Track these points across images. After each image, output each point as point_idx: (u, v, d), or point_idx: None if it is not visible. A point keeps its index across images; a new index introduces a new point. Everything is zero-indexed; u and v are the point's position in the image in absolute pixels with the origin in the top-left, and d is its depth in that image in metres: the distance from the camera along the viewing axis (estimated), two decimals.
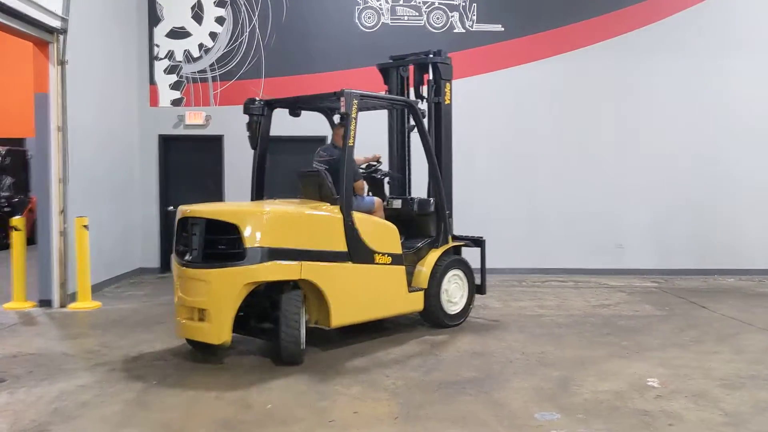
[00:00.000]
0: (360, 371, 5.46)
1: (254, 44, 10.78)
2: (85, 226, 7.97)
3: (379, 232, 6.36)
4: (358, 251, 6.03)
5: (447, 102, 7.37)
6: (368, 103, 6.71)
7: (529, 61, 10.77)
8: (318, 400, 4.75)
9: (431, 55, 7.49)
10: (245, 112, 6.82)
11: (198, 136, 10.78)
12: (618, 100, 10.79)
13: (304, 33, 10.75)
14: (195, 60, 10.76)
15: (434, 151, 7.04)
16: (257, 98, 6.87)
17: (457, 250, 7.36)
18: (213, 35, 10.78)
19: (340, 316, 5.92)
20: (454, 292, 6.98)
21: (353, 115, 6.11)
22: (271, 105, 6.88)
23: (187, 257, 5.68)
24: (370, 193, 7.37)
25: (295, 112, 7.06)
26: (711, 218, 10.75)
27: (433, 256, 6.87)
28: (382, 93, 7.63)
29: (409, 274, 6.69)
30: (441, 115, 7.33)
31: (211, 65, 10.76)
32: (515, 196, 10.75)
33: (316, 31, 10.76)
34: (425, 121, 7.08)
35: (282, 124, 7.34)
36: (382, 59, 8.02)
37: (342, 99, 6.06)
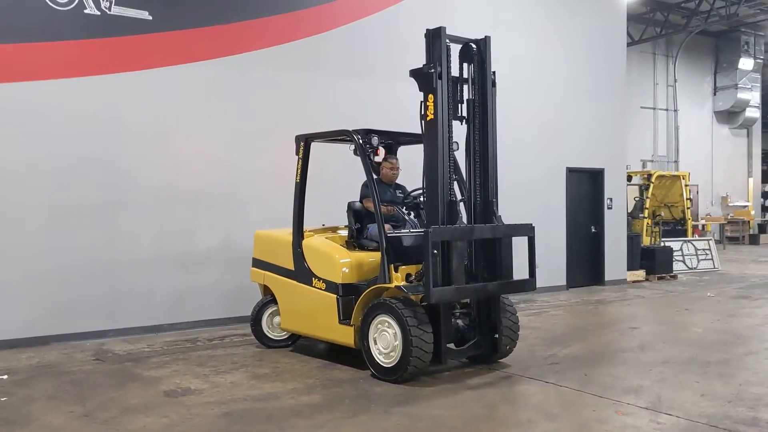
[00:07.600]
0: None
1: None
2: None
3: (320, 258, 6.75)
4: (301, 272, 6.92)
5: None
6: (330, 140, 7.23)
7: (184, 61, 8.43)
8: None
9: None
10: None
11: None
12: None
13: None
14: None
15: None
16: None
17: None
18: None
19: (286, 322, 7.21)
20: (383, 341, 6.00)
21: (299, 156, 7.13)
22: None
23: None
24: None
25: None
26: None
27: (369, 293, 6.23)
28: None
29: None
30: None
31: None
32: None
33: None
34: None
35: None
36: None
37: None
